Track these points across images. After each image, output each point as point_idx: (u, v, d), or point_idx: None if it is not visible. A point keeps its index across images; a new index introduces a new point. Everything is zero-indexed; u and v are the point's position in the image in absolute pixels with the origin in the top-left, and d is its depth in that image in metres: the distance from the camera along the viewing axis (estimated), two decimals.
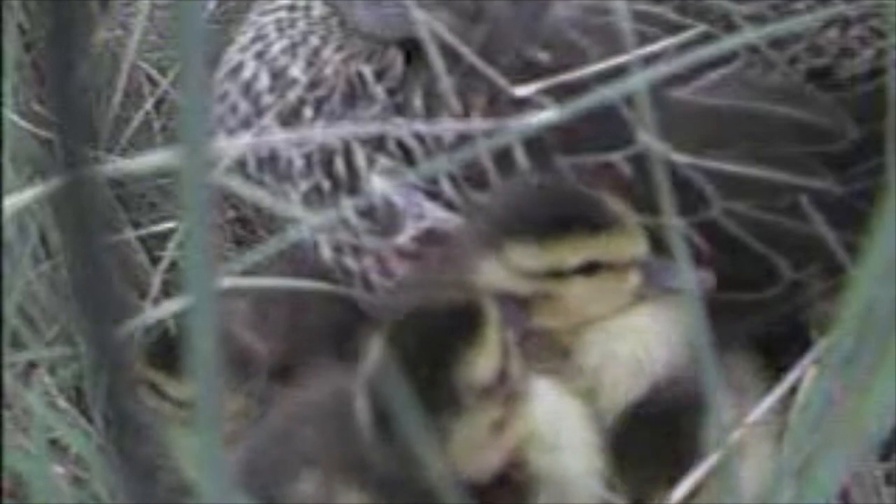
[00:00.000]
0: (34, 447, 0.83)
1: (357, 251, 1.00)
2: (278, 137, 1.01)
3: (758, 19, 0.99)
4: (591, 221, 0.85)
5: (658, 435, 0.86)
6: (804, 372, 0.79)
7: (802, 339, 0.89)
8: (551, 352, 0.87)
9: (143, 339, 0.98)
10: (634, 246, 0.87)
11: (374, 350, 0.72)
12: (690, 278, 0.74)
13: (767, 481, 0.83)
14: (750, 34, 0.95)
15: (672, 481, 0.79)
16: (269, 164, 1.03)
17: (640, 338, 0.87)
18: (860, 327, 0.62)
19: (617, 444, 0.85)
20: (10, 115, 1.09)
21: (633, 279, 0.87)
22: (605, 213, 0.86)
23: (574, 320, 0.87)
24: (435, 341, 0.71)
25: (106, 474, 0.90)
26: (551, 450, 0.76)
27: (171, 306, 0.90)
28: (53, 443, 0.95)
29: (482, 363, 0.71)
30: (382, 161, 0.99)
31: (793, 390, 0.80)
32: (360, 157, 1.00)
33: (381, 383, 0.70)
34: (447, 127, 0.96)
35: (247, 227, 1.22)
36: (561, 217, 0.86)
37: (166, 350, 0.93)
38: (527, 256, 0.85)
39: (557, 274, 0.85)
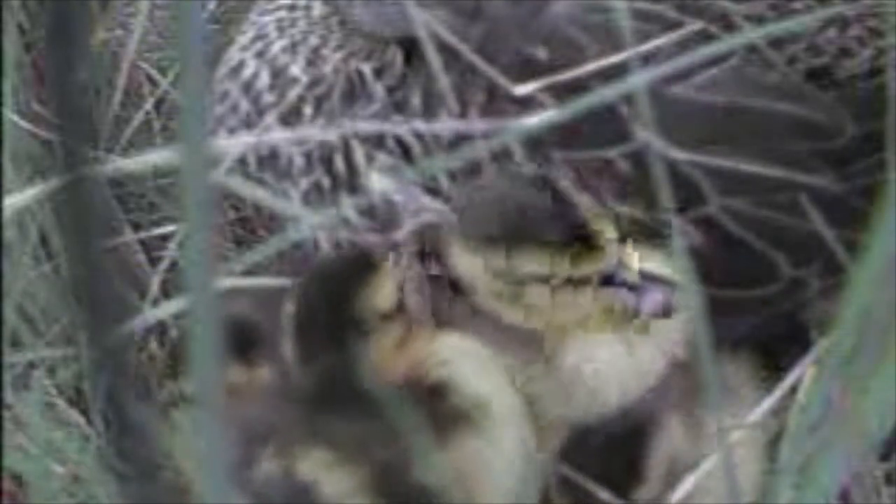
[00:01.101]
0: (33, 447, 0.83)
1: (359, 243, 1.00)
2: (278, 136, 1.02)
3: (757, 19, 0.99)
4: (552, 235, 0.86)
5: (604, 459, 0.87)
6: (804, 372, 0.79)
7: (802, 339, 0.89)
8: (530, 350, 0.88)
9: (149, 347, 0.97)
10: (597, 262, 0.86)
11: (292, 299, 0.88)
12: (660, 296, 0.80)
13: (761, 481, 0.83)
14: (749, 34, 0.95)
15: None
16: (270, 163, 1.03)
17: (625, 345, 0.88)
18: (860, 327, 0.62)
19: (565, 465, 0.86)
20: (10, 115, 1.09)
21: (602, 296, 0.87)
22: (571, 227, 0.86)
23: (549, 324, 0.88)
24: (340, 280, 0.88)
25: (105, 475, 0.90)
26: (448, 363, 0.88)
27: (171, 306, 0.90)
28: (52, 443, 0.95)
29: (379, 294, 0.87)
30: (381, 158, 0.99)
31: (793, 390, 0.80)
32: (359, 155, 1.00)
33: (299, 321, 0.86)
34: (448, 126, 0.96)
35: (247, 227, 1.22)
36: (522, 228, 0.86)
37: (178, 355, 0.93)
38: (495, 258, 0.86)
39: (518, 280, 0.86)
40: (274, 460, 0.83)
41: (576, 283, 0.86)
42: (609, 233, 0.87)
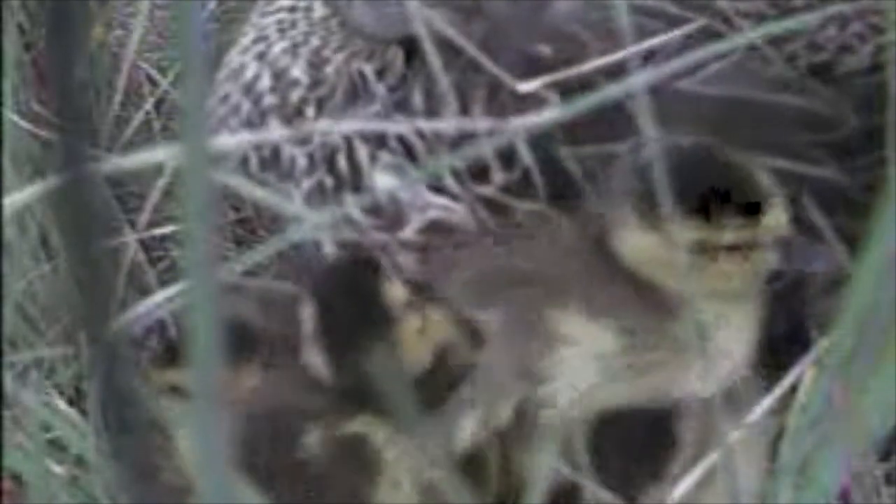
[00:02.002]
0: (33, 447, 0.83)
1: (361, 248, 1.00)
2: (276, 133, 1.02)
3: (757, 16, 0.99)
4: (740, 201, 0.85)
5: (640, 432, 0.87)
6: (804, 372, 0.79)
7: (802, 339, 0.89)
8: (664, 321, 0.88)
9: (150, 346, 0.97)
10: (777, 226, 0.86)
11: (308, 304, 0.90)
12: (828, 259, 0.80)
13: (764, 481, 0.83)
14: (751, 32, 0.95)
15: (655, 478, 0.82)
16: (272, 163, 1.03)
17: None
18: (860, 327, 0.62)
19: (598, 442, 0.86)
20: (10, 115, 1.09)
21: (771, 258, 0.87)
22: (754, 191, 0.86)
23: (710, 294, 0.87)
24: (356, 277, 0.90)
25: (105, 474, 0.90)
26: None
27: (170, 304, 0.90)
28: (52, 443, 0.95)
29: (394, 285, 0.89)
30: (385, 157, 0.99)
31: (793, 390, 0.80)
32: (362, 154, 1.00)
33: (324, 322, 0.88)
34: (452, 125, 0.96)
35: (247, 227, 1.22)
36: (710, 195, 0.85)
37: (174, 346, 0.93)
38: (675, 227, 0.85)
39: (703, 249, 0.85)
40: (322, 429, 0.87)
41: (751, 248, 0.86)
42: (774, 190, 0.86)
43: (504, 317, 0.89)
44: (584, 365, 0.88)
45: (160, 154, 0.72)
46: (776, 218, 0.86)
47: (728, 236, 0.85)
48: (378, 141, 1.00)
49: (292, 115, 1.03)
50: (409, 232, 0.98)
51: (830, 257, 0.86)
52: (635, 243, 0.88)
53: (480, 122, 0.95)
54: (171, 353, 0.93)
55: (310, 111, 1.02)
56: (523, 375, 0.88)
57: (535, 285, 0.90)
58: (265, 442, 0.88)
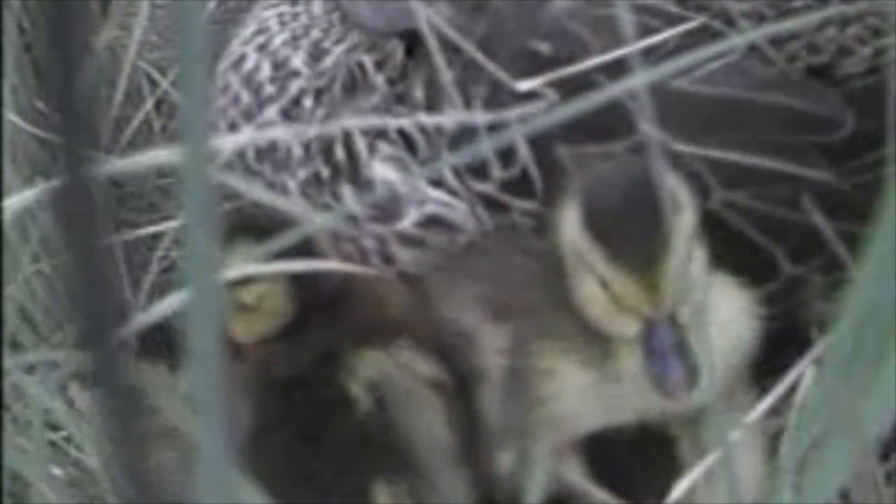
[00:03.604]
0: (33, 448, 0.83)
1: (357, 239, 1.00)
2: (277, 131, 1.02)
3: (757, 17, 0.99)
4: (625, 252, 0.82)
5: (643, 445, 0.87)
6: (804, 372, 0.79)
7: (802, 339, 0.89)
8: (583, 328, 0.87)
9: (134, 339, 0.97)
10: (647, 303, 0.82)
11: None
12: (671, 383, 0.79)
13: (763, 480, 0.83)
14: (749, 32, 0.96)
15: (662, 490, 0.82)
16: (268, 154, 1.03)
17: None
18: (860, 327, 0.62)
19: (604, 458, 0.86)
20: (10, 115, 1.09)
21: (632, 326, 0.83)
22: (644, 255, 0.81)
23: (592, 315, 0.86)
24: None
25: (104, 475, 0.90)
26: None
27: (170, 303, 0.90)
28: (52, 444, 0.95)
29: None
30: (384, 148, 0.99)
31: (793, 390, 0.80)
32: (360, 145, 1.00)
33: None
34: (450, 118, 0.96)
35: None
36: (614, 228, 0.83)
37: (160, 339, 0.93)
38: (569, 224, 0.85)
39: (582, 261, 0.84)
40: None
41: (625, 307, 0.83)
42: (686, 275, 0.82)
43: (504, 348, 0.89)
44: (572, 397, 0.87)
45: (160, 155, 0.72)
46: (662, 297, 0.81)
47: (594, 268, 0.83)
48: (377, 132, 1.00)
49: (291, 106, 1.03)
50: (406, 225, 0.98)
51: (686, 372, 0.83)
52: (569, 238, 0.86)
53: (480, 117, 0.95)
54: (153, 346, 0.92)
55: (308, 102, 1.03)
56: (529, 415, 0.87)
57: (522, 314, 0.89)
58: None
